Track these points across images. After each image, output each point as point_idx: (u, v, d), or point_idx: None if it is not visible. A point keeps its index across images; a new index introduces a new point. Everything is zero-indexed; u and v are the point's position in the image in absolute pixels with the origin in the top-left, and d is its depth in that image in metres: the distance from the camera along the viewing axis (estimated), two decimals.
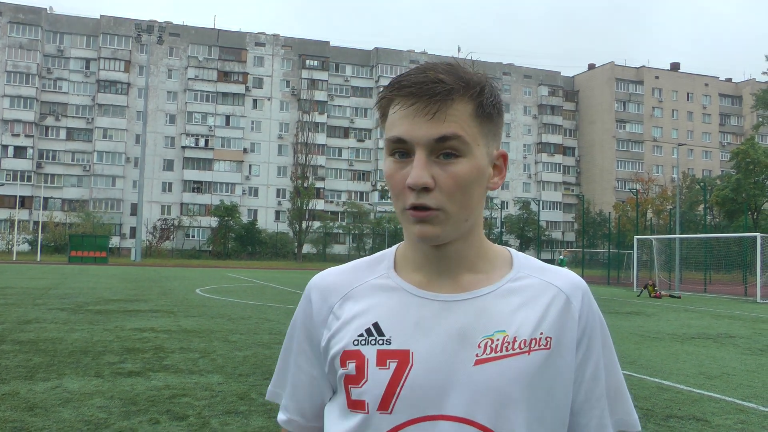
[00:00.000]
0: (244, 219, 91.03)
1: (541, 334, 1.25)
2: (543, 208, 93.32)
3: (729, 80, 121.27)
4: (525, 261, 1.36)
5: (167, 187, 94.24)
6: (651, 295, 32.40)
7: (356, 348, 1.25)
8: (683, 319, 21.10)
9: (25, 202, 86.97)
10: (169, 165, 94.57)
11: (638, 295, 33.43)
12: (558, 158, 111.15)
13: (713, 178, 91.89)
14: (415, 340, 1.23)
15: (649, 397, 8.69)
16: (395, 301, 1.28)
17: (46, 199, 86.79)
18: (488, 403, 1.19)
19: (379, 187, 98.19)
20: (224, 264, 71.09)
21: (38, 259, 65.79)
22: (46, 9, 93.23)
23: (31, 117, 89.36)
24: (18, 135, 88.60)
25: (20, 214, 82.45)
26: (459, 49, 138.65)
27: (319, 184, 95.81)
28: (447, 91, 1.18)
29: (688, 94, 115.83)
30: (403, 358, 1.22)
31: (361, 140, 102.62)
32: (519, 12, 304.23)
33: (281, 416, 1.42)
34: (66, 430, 6.44)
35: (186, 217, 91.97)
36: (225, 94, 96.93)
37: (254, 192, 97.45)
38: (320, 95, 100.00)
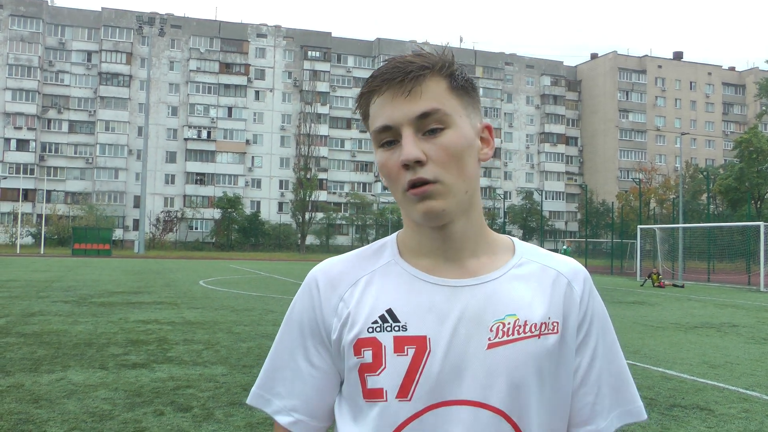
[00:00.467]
0: (247, 211, 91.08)
1: (549, 318, 1.27)
2: (546, 198, 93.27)
3: (732, 69, 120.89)
4: (527, 248, 1.38)
5: (170, 179, 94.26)
6: (654, 284, 32.40)
7: (371, 335, 1.24)
8: (687, 308, 21.10)
9: (28, 195, 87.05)
10: (171, 157, 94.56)
11: (642, 284, 33.44)
12: (561, 148, 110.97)
13: (716, 167, 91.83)
14: (430, 325, 1.23)
15: (652, 387, 8.69)
16: (406, 287, 1.28)
17: (49, 192, 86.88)
18: (501, 387, 1.21)
19: (381, 178, 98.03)
20: (227, 256, 71.18)
21: (42, 252, 65.91)
22: (47, 1, 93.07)
23: (34, 110, 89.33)
24: (20, 128, 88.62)
25: (23, 207, 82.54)
26: (461, 39, 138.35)
27: (321, 176, 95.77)
28: (418, 69, 1.21)
29: (691, 83, 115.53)
30: (421, 344, 1.22)
31: (363, 131, 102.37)
32: (522, 2, 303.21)
33: (286, 418, 1.34)
34: (71, 422, 6.45)
35: (189, 209, 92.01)
36: (227, 86, 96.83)
37: (257, 183, 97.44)
38: (322, 86, 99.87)
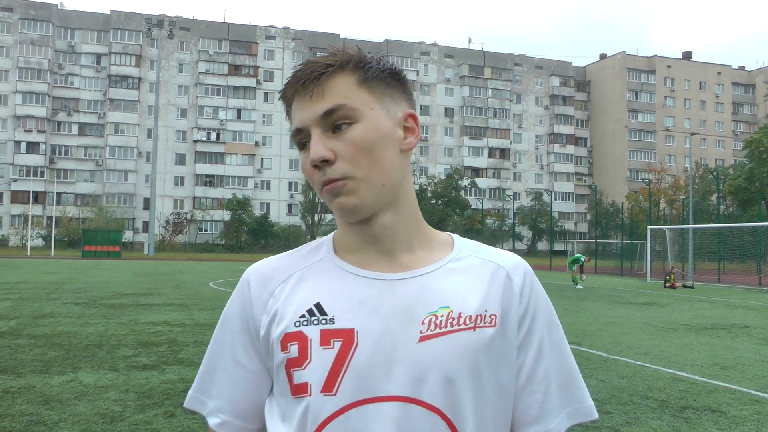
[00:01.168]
0: (257, 212, 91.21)
1: (486, 311, 1.23)
2: (555, 199, 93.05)
3: (742, 68, 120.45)
4: (466, 243, 1.35)
5: (179, 181, 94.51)
6: (666, 284, 32.27)
7: (298, 329, 1.22)
8: (697, 309, 21.03)
9: (38, 197, 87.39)
10: (181, 159, 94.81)
11: (666, 285, 32.84)
12: (570, 149, 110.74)
13: (726, 167, 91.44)
14: (359, 318, 1.20)
15: (663, 388, 8.66)
16: (337, 281, 1.26)
17: (59, 194, 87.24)
18: (434, 381, 1.16)
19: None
20: (237, 257, 71.30)
21: (52, 254, 66.14)
22: (56, 5, 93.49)
23: (44, 113, 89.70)
24: (30, 131, 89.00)
25: (34, 210, 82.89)
26: (470, 40, 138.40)
27: None
28: (321, 68, 1.23)
29: (700, 83, 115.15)
30: (348, 337, 1.19)
31: None
32: (530, 2, 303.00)
33: (214, 420, 1.31)
34: (82, 424, 6.47)
35: (198, 210, 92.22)
36: (236, 88, 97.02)
37: (266, 185, 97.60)
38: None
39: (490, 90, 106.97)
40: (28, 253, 66.24)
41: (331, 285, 1.25)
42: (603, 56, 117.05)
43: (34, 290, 22.16)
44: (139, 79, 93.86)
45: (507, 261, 1.31)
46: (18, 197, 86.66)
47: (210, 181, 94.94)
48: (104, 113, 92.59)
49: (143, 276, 32.10)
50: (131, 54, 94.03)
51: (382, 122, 1.23)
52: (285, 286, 1.29)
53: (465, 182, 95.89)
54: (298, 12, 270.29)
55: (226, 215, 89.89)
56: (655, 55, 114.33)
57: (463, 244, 1.34)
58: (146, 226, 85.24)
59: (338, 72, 1.23)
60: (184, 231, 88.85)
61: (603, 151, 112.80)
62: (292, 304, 1.25)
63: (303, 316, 1.23)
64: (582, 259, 32.52)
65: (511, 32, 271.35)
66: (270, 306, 1.27)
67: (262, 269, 1.33)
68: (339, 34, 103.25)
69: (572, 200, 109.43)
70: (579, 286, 30.43)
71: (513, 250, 68.76)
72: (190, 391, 1.36)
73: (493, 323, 1.22)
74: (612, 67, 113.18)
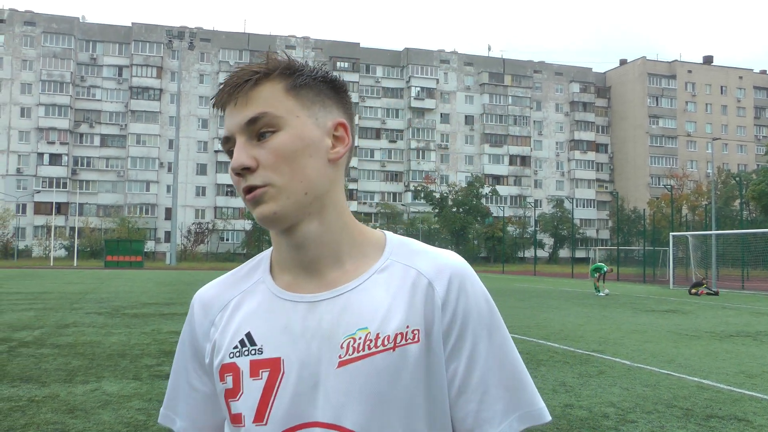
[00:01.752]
0: None
1: (408, 327, 1.19)
2: (577, 206, 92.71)
3: (764, 72, 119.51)
4: (398, 247, 1.29)
5: (201, 191, 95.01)
6: (691, 291, 31.99)
7: (232, 360, 1.22)
8: (721, 316, 20.83)
9: (61, 208, 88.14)
10: (202, 169, 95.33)
11: (700, 293, 32.30)
12: (591, 155, 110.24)
13: (749, 172, 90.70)
14: (285, 346, 1.20)
15: (688, 397, 8.58)
16: (265, 307, 1.25)
17: (81, 205, 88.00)
18: (356, 406, 1.15)
19: (411, 188, 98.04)
20: None
21: (75, 264, 66.61)
22: (78, 18, 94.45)
23: (66, 125, 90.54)
24: (53, 143, 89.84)
25: (57, 221, 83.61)
26: (489, 48, 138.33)
27: (351, 186, 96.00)
28: (247, 76, 1.21)
29: (721, 87, 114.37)
30: (275, 366, 1.19)
31: (392, 141, 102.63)
32: (550, 9, 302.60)
33: None
34: None
35: (220, 220, 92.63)
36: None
37: None
38: (351, 97, 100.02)
39: (510, 97, 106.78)
40: (51, 264, 66.77)
41: (261, 311, 1.25)
42: (623, 62, 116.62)
43: (57, 300, 22.32)
44: (161, 90, 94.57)
45: (429, 266, 1.24)
46: (41, 208, 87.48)
47: (231, 190, 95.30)
48: (126, 124, 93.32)
49: (165, 286, 32.24)
50: (152, 66, 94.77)
51: (307, 130, 1.21)
52: (224, 313, 1.29)
53: (486, 190, 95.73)
54: (318, 21, 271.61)
55: (247, 225, 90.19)
56: (676, 60, 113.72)
57: (394, 247, 1.29)
58: (168, 236, 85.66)
59: (265, 79, 1.21)
60: (206, 241, 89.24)
61: (624, 157, 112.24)
62: (228, 334, 1.25)
63: (236, 347, 1.23)
64: (605, 268, 32.21)
65: (531, 39, 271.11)
66: (212, 334, 1.29)
67: (204, 296, 1.34)
68: (359, 43, 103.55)
69: (594, 207, 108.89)
70: (601, 294, 30.21)
71: (535, 257, 68.82)
72: (162, 408, 1.38)
73: (416, 339, 1.18)
74: (632, 73, 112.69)
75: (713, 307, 24.80)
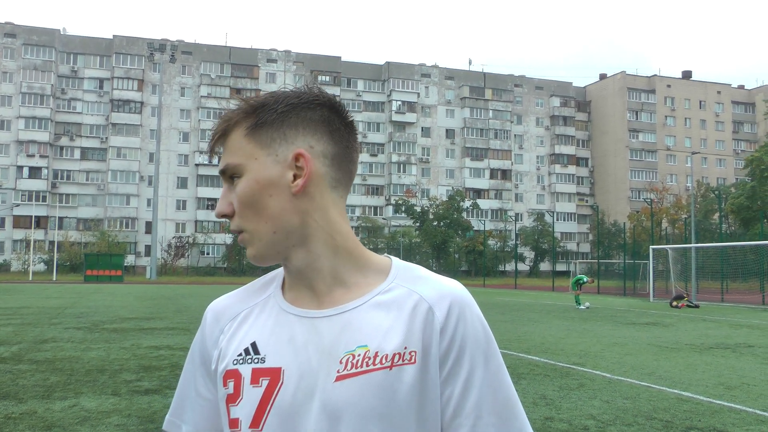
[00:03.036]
0: None
1: (405, 348, 1.22)
2: (557, 220, 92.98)
3: (741, 87, 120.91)
4: (403, 271, 1.32)
5: (181, 204, 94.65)
6: (672, 304, 32.15)
7: (235, 367, 1.27)
8: (701, 329, 20.95)
9: (40, 222, 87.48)
10: (183, 183, 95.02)
11: (691, 305, 32.60)
12: (571, 169, 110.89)
13: (728, 186, 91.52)
14: (286, 357, 1.24)
15: (668, 409, 8.62)
16: (273, 320, 1.30)
17: (61, 218, 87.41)
18: (349, 420, 1.18)
19: (393, 202, 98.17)
20: (239, 281, 71.11)
21: (54, 279, 66.12)
22: (59, 30, 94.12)
23: (46, 137, 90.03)
24: (33, 156, 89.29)
25: (36, 234, 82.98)
26: (470, 62, 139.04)
27: None
28: (220, 129, 1.29)
29: (700, 102, 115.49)
30: (275, 375, 1.23)
31: (374, 155, 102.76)
32: (530, 24, 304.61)
33: None
34: None
35: (200, 234, 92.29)
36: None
37: None
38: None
39: (490, 111, 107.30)
40: (30, 278, 66.21)
41: (268, 324, 1.30)
42: (603, 76, 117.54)
43: (35, 315, 22.12)
44: (141, 103, 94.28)
45: (432, 292, 1.27)
46: (20, 222, 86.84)
47: (212, 204, 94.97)
48: (106, 137, 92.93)
49: (145, 300, 32.06)
50: (133, 78, 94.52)
51: (265, 171, 1.24)
52: (233, 323, 1.34)
53: (467, 204, 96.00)
54: (299, 35, 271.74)
55: (228, 239, 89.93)
56: (655, 75, 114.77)
57: (398, 271, 1.32)
58: (148, 250, 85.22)
59: (233, 128, 1.27)
60: (186, 255, 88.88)
61: (604, 171, 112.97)
62: (234, 342, 1.31)
63: (240, 354, 1.28)
64: (585, 279, 32.47)
65: (511, 53, 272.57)
66: (220, 342, 1.34)
67: (217, 306, 1.40)
68: (340, 57, 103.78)
69: (574, 220, 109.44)
70: (581, 307, 30.32)
71: (516, 270, 69.00)
72: (167, 415, 1.43)
73: (413, 360, 1.21)
74: (612, 87, 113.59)
75: (693, 319, 24.94)
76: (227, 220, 1.28)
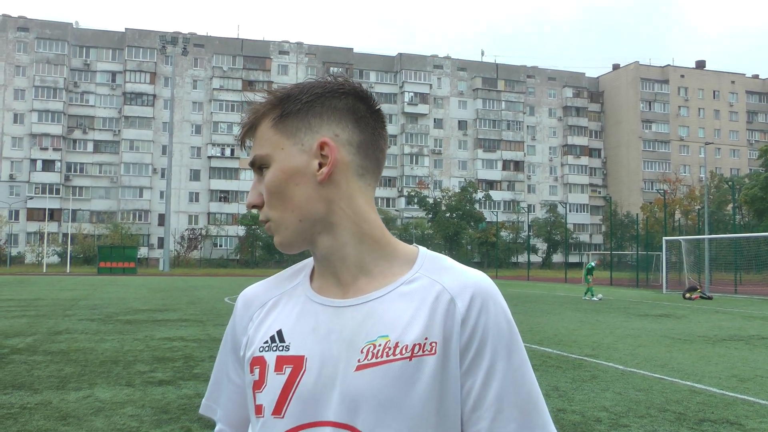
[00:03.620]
0: None
1: (426, 339, 1.22)
2: (570, 211, 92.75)
3: (756, 77, 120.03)
4: (429, 262, 1.32)
5: (194, 197, 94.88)
6: (685, 296, 32.04)
7: (261, 354, 1.30)
8: (714, 320, 20.88)
9: (54, 214, 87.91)
10: (195, 175, 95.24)
11: (705, 297, 32.53)
12: (584, 160, 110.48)
13: (741, 176, 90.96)
14: (310, 346, 1.26)
15: (681, 401, 8.60)
16: (299, 308, 1.32)
17: (74, 211, 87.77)
18: (368, 409, 1.19)
19: (405, 193, 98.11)
20: (252, 272, 71.38)
21: (68, 271, 66.49)
22: (72, 24, 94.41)
23: (59, 131, 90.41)
24: (46, 149, 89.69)
25: (49, 227, 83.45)
26: (483, 53, 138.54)
27: None
28: (249, 122, 1.32)
29: (714, 92, 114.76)
30: (298, 363, 1.25)
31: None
32: (542, 14, 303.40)
33: (217, 427, 1.46)
34: None
35: (213, 226, 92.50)
36: (250, 103, 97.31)
37: None
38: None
39: (503, 102, 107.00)
40: (44, 270, 66.61)
41: (294, 312, 1.32)
42: (616, 66, 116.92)
43: (50, 307, 22.26)
44: (154, 96, 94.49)
45: (455, 283, 1.27)
46: (34, 215, 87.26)
47: (224, 196, 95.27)
48: (119, 130, 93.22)
49: (158, 292, 32.19)
50: (146, 71, 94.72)
51: (291, 160, 1.27)
52: (261, 311, 1.37)
53: (479, 195, 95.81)
54: (311, 27, 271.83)
55: (240, 231, 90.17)
56: (668, 65, 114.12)
57: (424, 261, 1.32)
58: (161, 242, 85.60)
59: (260, 120, 1.31)
60: (199, 247, 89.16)
61: (617, 161, 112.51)
62: (262, 330, 1.33)
63: (266, 342, 1.30)
64: (592, 264, 32.58)
65: (524, 44, 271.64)
66: (249, 329, 1.36)
67: (247, 293, 1.43)
68: (352, 48, 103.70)
69: (587, 212, 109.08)
70: (594, 299, 30.26)
71: (528, 262, 68.84)
72: (204, 399, 1.47)
73: (433, 351, 1.21)
74: (625, 77, 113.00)
75: (706, 311, 24.86)
76: (257, 210, 1.31)
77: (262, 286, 1.43)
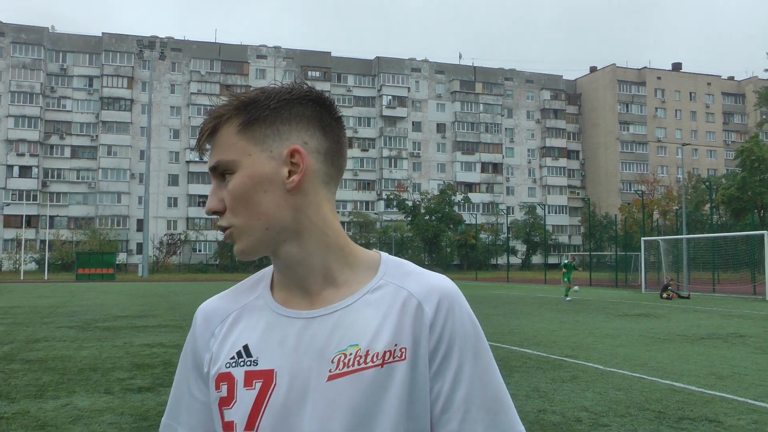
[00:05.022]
0: None
1: (396, 345, 1.23)
2: (549, 213, 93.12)
3: (731, 78, 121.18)
4: (392, 268, 1.33)
5: (173, 202, 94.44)
6: (663, 296, 32.27)
7: (228, 370, 1.28)
8: (693, 319, 21.03)
9: (31, 221, 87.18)
10: (174, 180, 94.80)
11: (682, 296, 33.03)
12: (562, 162, 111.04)
13: (718, 177, 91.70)
14: (279, 359, 1.25)
15: (660, 399, 8.66)
16: (264, 322, 1.30)
17: (52, 217, 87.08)
18: (342, 419, 1.20)
19: (384, 196, 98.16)
20: (231, 277, 71.18)
21: (46, 278, 65.90)
22: (48, 28, 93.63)
23: (36, 136, 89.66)
24: (23, 155, 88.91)
25: (27, 234, 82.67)
26: (461, 56, 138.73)
27: None
28: (208, 124, 1.28)
29: (690, 93, 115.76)
30: (268, 377, 1.24)
31: (365, 150, 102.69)
32: (520, 18, 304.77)
33: None
34: None
35: (192, 231, 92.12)
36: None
37: None
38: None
39: (481, 105, 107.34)
40: (22, 278, 65.99)
41: (259, 326, 1.30)
42: (593, 69, 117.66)
43: (27, 315, 22.06)
44: (131, 100, 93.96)
45: (420, 288, 1.28)
46: (11, 221, 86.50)
47: (203, 201, 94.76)
48: (97, 135, 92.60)
49: (138, 298, 32.00)
50: (123, 76, 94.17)
51: (259, 167, 1.25)
52: (223, 326, 1.35)
53: (458, 197, 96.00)
54: (288, 31, 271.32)
55: (219, 235, 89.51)
56: (645, 67, 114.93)
57: (387, 268, 1.33)
58: (140, 247, 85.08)
59: (223, 124, 1.27)
60: (178, 252, 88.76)
61: (595, 163, 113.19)
62: (226, 346, 1.31)
63: (233, 357, 1.29)
64: (566, 261, 32.77)
65: (501, 47, 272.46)
66: (211, 345, 1.34)
67: (206, 308, 1.40)
68: (330, 53, 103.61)
69: (566, 213, 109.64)
70: (568, 299, 30.46)
71: (507, 264, 69.01)
72: (163, 418, 1.43)
73: (403, 357, 1.23)
74: (602, 80, 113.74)
75: (685, 310, 25.04)
76: (217, 216, 1.28)
77: (220, 300, 1.40)
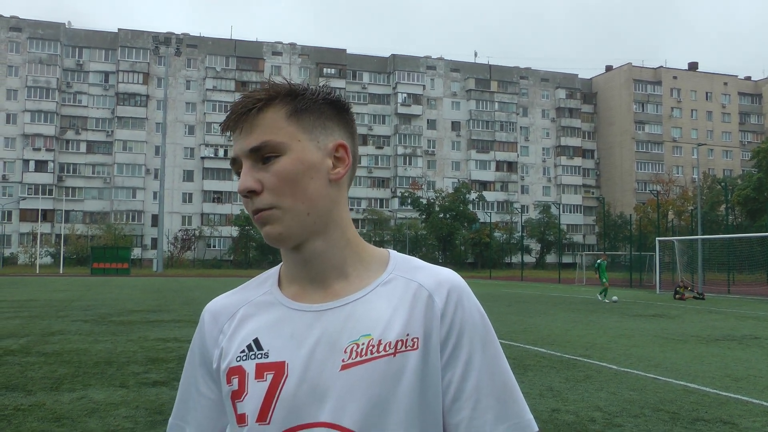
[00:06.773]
0: None
1: (408, 335, 1.26)
2: (563, 212, 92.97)
3: (748, 78, 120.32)
4: (401, 262, 1.37)
5: (187, 197, 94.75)
6: (676, 296, 32.11)
7: (238, 364, 1.30)
8: (707, 320, 20.93)
9: (47, 215, 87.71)
10: (189, 176, 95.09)
11: (697, 297, 32.60)
12: (577, 161, 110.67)
13: (734, 177, 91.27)
14: (290, 351, 1.27)
15: (675, 401, 8.62)
16: (274, 316, 1.33)
17: (67, 212, 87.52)
18: (355, 407, 1.21)
19: (398, 194, 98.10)
20: (246, 273, 71.23)
21: (61, 272, 66.33)
22: (64, 24, 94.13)
23: (52, 131, 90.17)
24: (39, 149, 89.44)
25: (42, 228, 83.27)
26: (476, 54, 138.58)
27: None
28: (252, 103, 1.28)
29: (707, 93, 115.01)
30: (279, 369, 1.26)
31: (379, 147, 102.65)
32: (536, 16, 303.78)
33: None
34: None
35: (207, 227, 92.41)
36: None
37: None
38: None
39: (496, 103, 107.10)
40: (37, 271, 66.44)
41: (269, 320, 1.33)
42: (609, 68, 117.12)
43: (43, 308, 22.21)
44: (147, 96, 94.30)
45: (431, 280, 1.32)
46: (27, 215, 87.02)
47: (218, 197, 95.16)
48: (112, 131, 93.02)
49: (152, 293, 32.14)
50: (139, 72, 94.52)
51: (308, 154, 1.28)
52: (232, 322, 1.37)
53: (473, 196, 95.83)
54: (304, 28, 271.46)
55: (234, 231, 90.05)
56: (661, 66, 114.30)
57: (396, 263, 1.37)
58: (155, 242, 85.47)
59: (267, 106, 1.28)
60: (193, 247, 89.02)
61: (610, 162, 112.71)
62: (236, 340, 1.33)
63: (243, 351, 1.31)
64: (599, 261, 31.82)
65: (517, 45, 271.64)
66: (220, 341, 1.36)
67: (214, 306, 1.43)
68: (345, 50, 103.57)
69: (580, 212, 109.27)
70: (606, 300, 29.38)
71: (522, 263, 68.89)
72: (170, 419, 1.44)
73: (415, 346, 1.25)
74: (618, 79, 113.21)
75: (699, 311, 24.92)
76: (251, 196, 1.27)
77: (228, 298, 1.43)
